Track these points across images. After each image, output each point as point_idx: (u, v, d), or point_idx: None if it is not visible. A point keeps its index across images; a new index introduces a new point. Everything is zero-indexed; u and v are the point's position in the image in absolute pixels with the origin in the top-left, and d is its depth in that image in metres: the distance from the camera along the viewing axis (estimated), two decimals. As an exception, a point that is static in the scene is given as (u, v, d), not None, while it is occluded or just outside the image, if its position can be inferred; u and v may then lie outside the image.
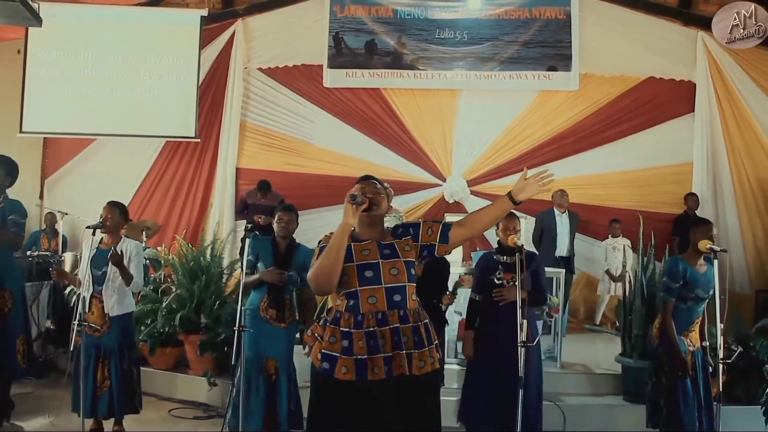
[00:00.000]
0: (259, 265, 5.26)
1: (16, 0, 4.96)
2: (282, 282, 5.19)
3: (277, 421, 5.21)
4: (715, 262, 4.44)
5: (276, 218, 5.42)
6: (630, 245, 9.39)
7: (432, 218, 9.85)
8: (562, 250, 8.84)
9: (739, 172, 9.94)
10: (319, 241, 3.32)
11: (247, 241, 5.24)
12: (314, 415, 3.26)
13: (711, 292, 4.89)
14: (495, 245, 5.34)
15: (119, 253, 5.22)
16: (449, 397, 5.54)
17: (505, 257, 5.07)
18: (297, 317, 5.46)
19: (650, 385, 5.21)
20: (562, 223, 8.93)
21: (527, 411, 4.75)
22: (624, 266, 9.21)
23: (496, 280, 4.99)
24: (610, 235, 9.69)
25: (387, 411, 3.13)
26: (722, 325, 4.53)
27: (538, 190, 3.25)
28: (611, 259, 9.59)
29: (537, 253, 6.29)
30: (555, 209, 8.95)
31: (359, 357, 3.12)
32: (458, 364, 6.63)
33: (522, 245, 4.70)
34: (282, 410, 5.22)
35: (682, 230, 8.05)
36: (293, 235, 5.49)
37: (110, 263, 5.23)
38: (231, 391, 5.25)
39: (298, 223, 5.52)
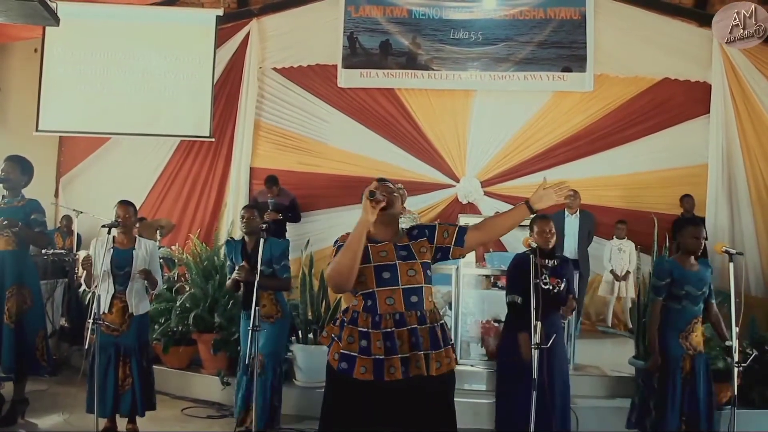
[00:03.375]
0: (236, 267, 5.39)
1: (34, 0, 5.00)
2: (248, 278, 5.19)
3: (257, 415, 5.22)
4: (731, 264, 4.41)
5: (239, 216, 5.60)
6: (635, 247, 9.38)
7: (446, 219, 9.87)
8: (569, 251, 8.77)
9: (754, 174, 9.86)
10: (336, 241, 3.33)
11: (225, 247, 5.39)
12: (330, 414, 3.27)
13: (705, 289, 4.92)
14: (508, 247, 5.34)
15: (145, 270, 5.35)
16: (465, 399, 5.55)
17: (547, 261, 5.04)
18: (285, 313, 5.56)
19: (641, 386, 5.21)
20: (570, 224, 8.90)
21: (561, 411, 4.78)
22: (634, 267, 9.23)
23: (543, 285, 4.92)
24: (615, 236, 9.66)
25: (404, 411, 3.14)
26: (737, 328, 4.51)
27: (555, 201, 3.28)
28: (616, 260, 9.56)
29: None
30: (565, 210, 8.92)
31: (377, 357, 3.13)
32: (471, 366, 6.64)
33: (536, 246, 4.70)
34: (264, 405, 5.27)
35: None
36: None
37: (133, 265, 5.33)
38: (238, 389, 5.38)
39: (261, 220, 5.63)
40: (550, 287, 4.96)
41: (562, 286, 5.04)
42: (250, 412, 5.19)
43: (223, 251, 7.48)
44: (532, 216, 4.84)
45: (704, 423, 4.87)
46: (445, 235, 3.37)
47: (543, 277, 4.97)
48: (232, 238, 5.56)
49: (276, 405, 5.44)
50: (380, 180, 3.37)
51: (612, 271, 9.57)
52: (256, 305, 4.86)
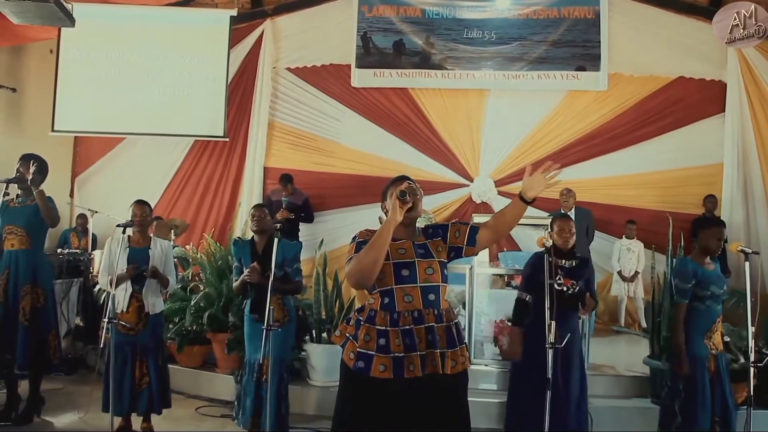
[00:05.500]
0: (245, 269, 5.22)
1: (50, 1, 5.03)
2: (259, 280, 5.06)
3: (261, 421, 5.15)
4: (747, 264, 4.39)
5: (249, 215, 5.42)
6: (650, 246, 9.35)
7: (459, 219, 9.85)
8: None
9: (771, 173, 9.81)
10: (354, 237, 3.34)
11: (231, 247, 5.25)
12: (345, 414, 3.26)
13: (725, 288, 4.90)
14: (522, 246, 5.32)
15: (153, 267, 5.35)
16: (478, 398, 5.54)
17: (564, 261, 5.00)
18: (291, 317, 5.39)
19: (666, 389, 5.18)
20: None
21: (577, 412, 4.75)
22: (642, 267, 9.21)
23: (556, 286, 4.88)
24: (624, 236, 9.65)
25: (419, 410, 3.14)
26: (753, 328, 4.48)
27: (545, 185, 3.22)
28: (624, 260, 9.55)
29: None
30: (560, 209, 8.90)
31: (396, 355, 3.14)
32: (485, 365, 6.62)
33: (551, 246, 4.68)
34: (270, 411, 5.05)
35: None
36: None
37: (148, 266, 5.34)
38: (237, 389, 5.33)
39: (272, 219, 5.52)
40: (564, 288, 4.90)
41: (578, 288, 5.00)
42: (260, 418, 5.16)
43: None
44: (551, 215, 4.87)
45: (729, 423, 4.85)
46: (457, 235, 3.37)
47: (557, 278, 4.93)
48: (239, 238, 5.43)
49: (283, 413, 5.27)
50: (405, 179, 3.36)
51: (620, 273, 9.56)
52: (270, 305, 4.84)
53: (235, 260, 5.38)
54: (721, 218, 9.35)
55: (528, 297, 5.08)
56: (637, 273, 9.41)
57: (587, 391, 5.22)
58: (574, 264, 5.07)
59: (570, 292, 4.94)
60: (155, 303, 5.46)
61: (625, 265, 9.53)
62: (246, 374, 5.33)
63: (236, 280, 5.29)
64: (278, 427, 5.20)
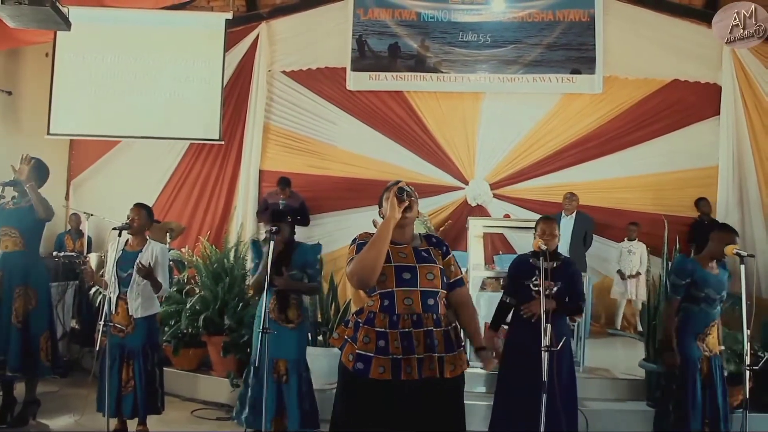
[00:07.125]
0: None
1: (46, 5, 5.03)
2: (283, 285, 5.10)
3: (286, 421, 5.19)
4: (743, 267, 4.40)
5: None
6: (647, 249, 9.37)
7: (455, 222, 9.93)
8: (561, 252, 8.74)
9: (765, 175, 9.80)
10: (354, 239, 3.39)
11: (250, 247, 5.25)
12: (343, 415, 3.29)
13: (723, 293, 4.95)
14: (517, 249, 5.31)
15: (147, 265, 5.28)
16: (474, 401, 5.53)
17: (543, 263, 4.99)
18: (305, 318, 5.43)
19: (661, 390, 5.21)
20: (564, 225, 8.85)
21: (566, 413, 4.75)
22: (645, 269, 9.21)
23: (532, 287, 4.91)
24: (626, 238, 9.67)
25: (418, 411, 3.17)
26: (749, 331, 4.49)
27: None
28: (625, 262, 9.57)
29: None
30: (562, 212, 8.97)
31: (395, 357, 3.17)
32: (480, 368, 6.60)
33: (546, 249, 4.67)
34: (292, 411, 5.17)
35: (699, 236, 7.92)
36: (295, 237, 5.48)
37: (135, 267, 5.29)
38: (246, 390, 5.24)
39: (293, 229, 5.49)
40: (540, 289, 4.89)
41: (555, 289, 4.96)
42: (284, 419, 5.18)
43: (233, 253, 7.52)
44: (539, 217, 4.90)
45: (722, 425, 4.87)
46: (452, 269, 3.48)
47: (534, 279, 4.94)
48: (256, 239, 5.43)
49: (308, 409, 5.27)
50: (398, 183, 3.39)
51: (619, 271, 9.56)
52: (267, 307, 4.85)
53: (253, 260, 5.32)
54: (716, 221, 9.38)
55: (509, 299, 5.09)
56: (638, 273, 9.41)
57: (577, 393, 5.21)
58: (555, 265, 5.05)
59: (547, 293, 4.91)
60: (140, 306, 5.39)
61: (626, 267, 9.55)
62: (252, 374, 5.19)
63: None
64: (305, 424, 5.22)
